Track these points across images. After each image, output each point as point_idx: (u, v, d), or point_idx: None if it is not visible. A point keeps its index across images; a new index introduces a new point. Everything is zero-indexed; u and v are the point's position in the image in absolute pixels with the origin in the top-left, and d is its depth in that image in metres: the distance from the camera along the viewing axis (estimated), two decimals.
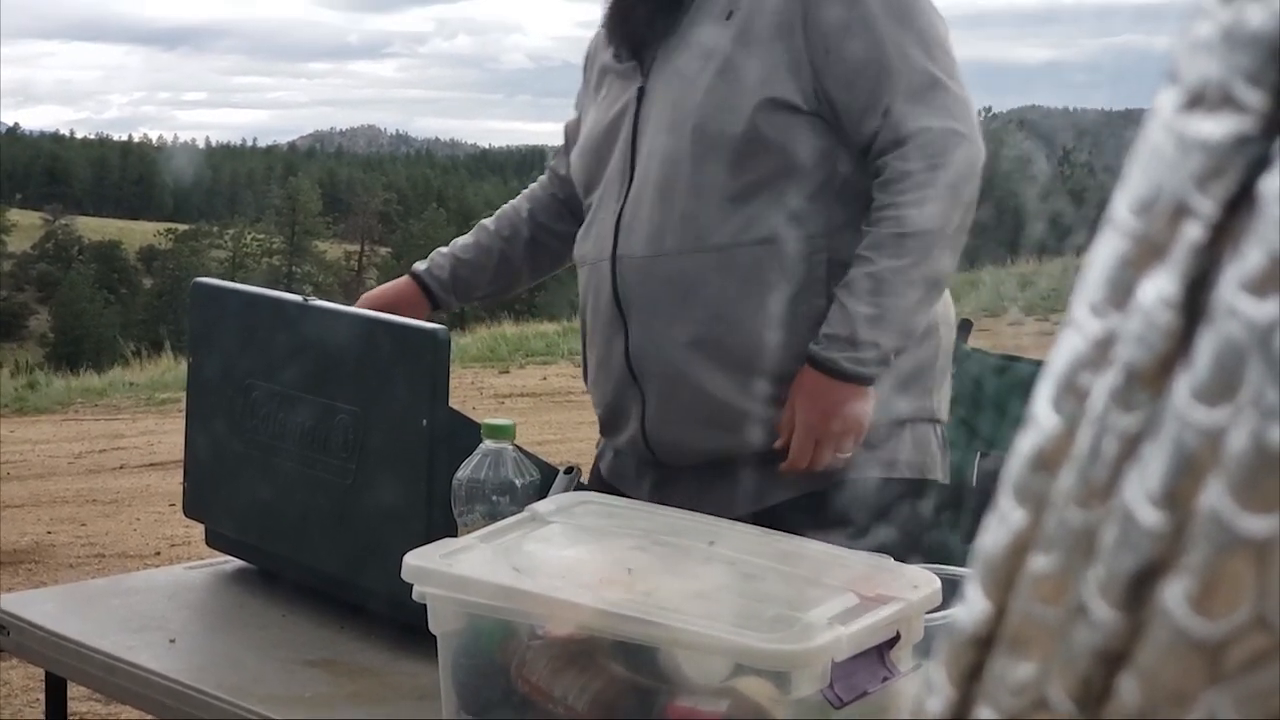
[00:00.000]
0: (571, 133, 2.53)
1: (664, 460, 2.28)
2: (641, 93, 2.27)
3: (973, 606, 0.35)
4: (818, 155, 2.17)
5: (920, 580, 1.65)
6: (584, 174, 2.39)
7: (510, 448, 1.89)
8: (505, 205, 2.66)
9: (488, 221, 2.64)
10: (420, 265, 2.59)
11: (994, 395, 3.33)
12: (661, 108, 2.23)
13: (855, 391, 2.13)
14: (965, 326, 3.54)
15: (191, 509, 2.36)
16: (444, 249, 2.62)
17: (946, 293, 2.33)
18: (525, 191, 2.66)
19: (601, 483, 2.37)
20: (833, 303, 2.13)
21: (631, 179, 2.26)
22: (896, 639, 1.59)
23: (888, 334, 2.11)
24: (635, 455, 2.32)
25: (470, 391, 11.52)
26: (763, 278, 2.17)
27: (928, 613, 1.63)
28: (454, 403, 2.00)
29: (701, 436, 2.22)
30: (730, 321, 2.18)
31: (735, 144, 2.16)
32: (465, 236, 2.64)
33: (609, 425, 2.36)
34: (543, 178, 2.66)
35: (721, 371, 2.19)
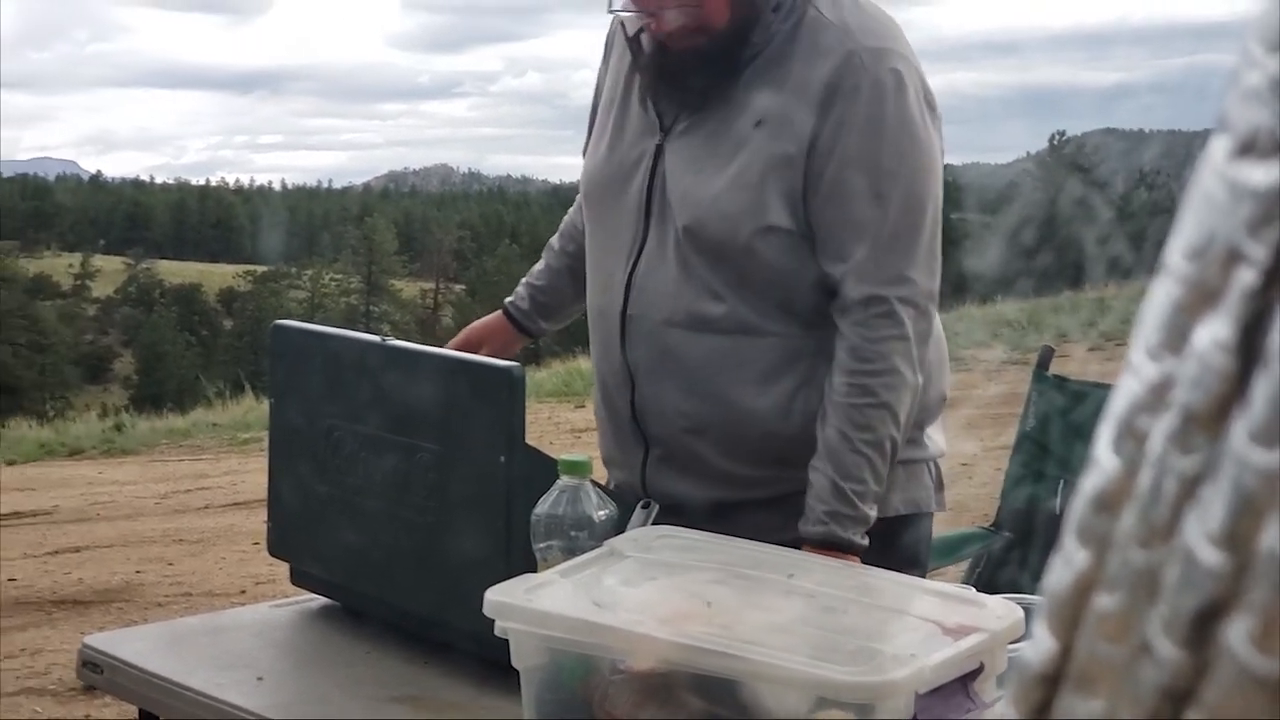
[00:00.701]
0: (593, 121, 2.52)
1: (660, 503, 2.31)
2: (659, 151, 2.29)
3: (1040, 645, 0.36)
4: (814, 267, 2.21)
5: (1003, 611, 1.65)
6: (591, 204, 2.43)
7: (587, 483, 1.90)
8: (564, 219, 2.72)
9: (553, 240, 2.70)
10: (509, 298, 2.69)
11: (1076, 422, 3.31)
12: (675, 189, 2.26)
13: (854, 559, 2.18)
14: (1046, 354, 3.52)
15: (276, 548, 2.39)
16: (525, 278, 2.70)
17: (940, 330, 2.38)
18: (578, 200, 2.68)
19: None
20: (815, 474, 2.18)
21: (644, 240, 2.30)
22: (980, 670, 1.58)
23: (870, 503, 2.18)
24: (633, 493, 2.36)
25: (547, 426, 11.54)
26: (762, 371, 2.23)
27: (1011, 643, 1.62)
28: (531, 437, 2.01)
29: (699, 488, 2.30)
30: (731, 406, 2.25)
31: (738, 253, 2.21)
32: (539, 262, 2.71)
33: (611, 463, 2.45)
34: None
35: (722, 446, 2.27)
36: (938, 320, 2.36)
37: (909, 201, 2.18)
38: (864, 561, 2.14)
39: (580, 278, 2.62)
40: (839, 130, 2.15)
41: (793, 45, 2.21)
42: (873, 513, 2.18)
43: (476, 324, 2.70)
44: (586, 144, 2.53)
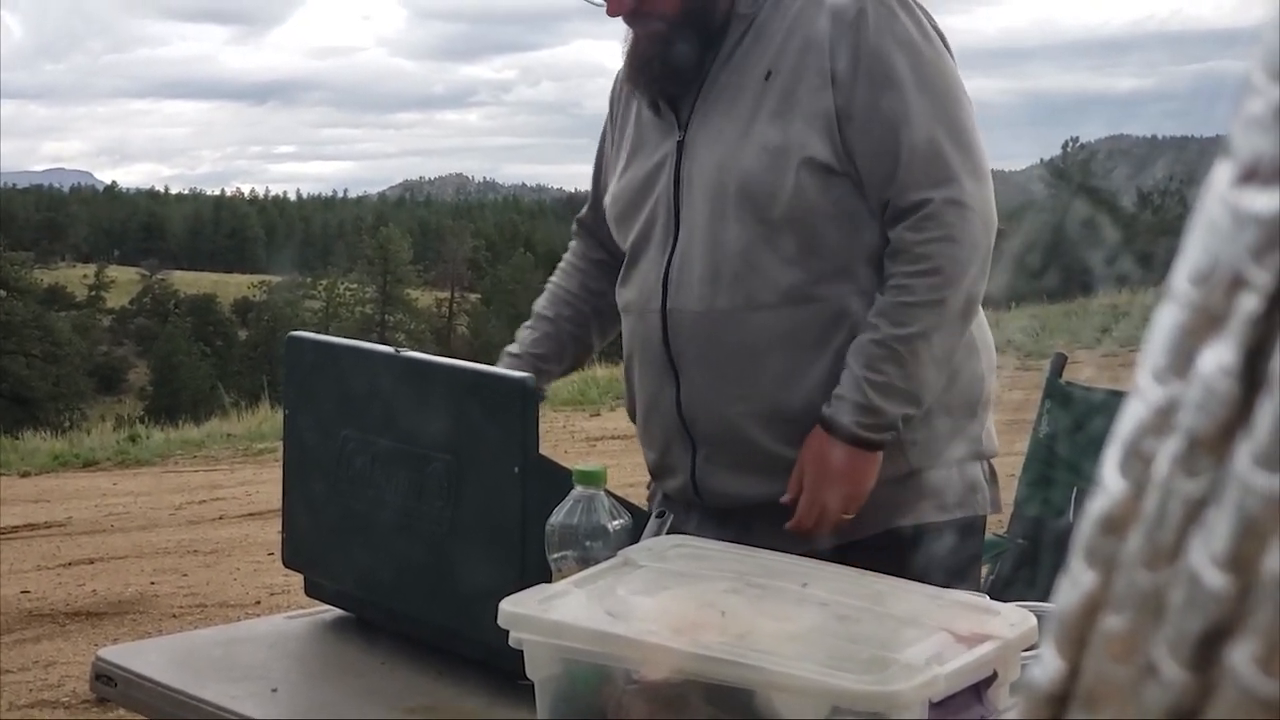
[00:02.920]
0: (602, 178, 2.56)
1: (711, 504, 2.31)
2: (680, 146, 2.30)
3: (1047, 665, 0.36)
4: (859, 217, 2.21)
5: (1016, 618, 1.65)
6: (622, 221, 2.41)
7: (602, 493, 1.90)
8: (552, 284, 2.66)
9: (543, 308, 2.62)
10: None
11: (1089, 428, 3.30)
12: (705, 167, 2.26)
13: (862, 456, 2.18)
14: (1059, 361, 3.51)
15: (290, 559, 2.39)
16: (514, 348, 2.58)
17: (984, 323, 2.35)
18: (566, 264, 2.67)
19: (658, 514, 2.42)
20: (845, 369, 2.17)
21: (676, 233, 2.28)
22: (994, 678, 1.58)
23: (894, 401, 2.15)
24: (684, 499, 2.35)
25: (562, 435, 11.56)
26: (813, 337, 2.21)
27: (1024, 651, 1.62)
28: (546, 446, 2.01)
29: (751, 484, 2.26)
30: (783, 381, 2.21)
31: (781, 208, 2.19)
32: (528, 329, 2.61)
33: (659, 471, 2.40)
34: (575, 245, 2.67)
35: (774, 428, 2.23)
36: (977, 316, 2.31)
37: (940, 109, 2.17)
38: (921, 566, 2.13)
39: (578, 342, 2.61)
40: (856, 55, 2.16)
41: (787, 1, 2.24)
42: (896, 410, 2.15)
43: None
44: (597, 192, 2.57)
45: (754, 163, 2.20)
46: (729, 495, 2.28)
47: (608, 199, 2.47)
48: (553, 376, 2.63)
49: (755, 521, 2.22)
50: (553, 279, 2.68)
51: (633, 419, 2.45)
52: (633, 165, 2.40)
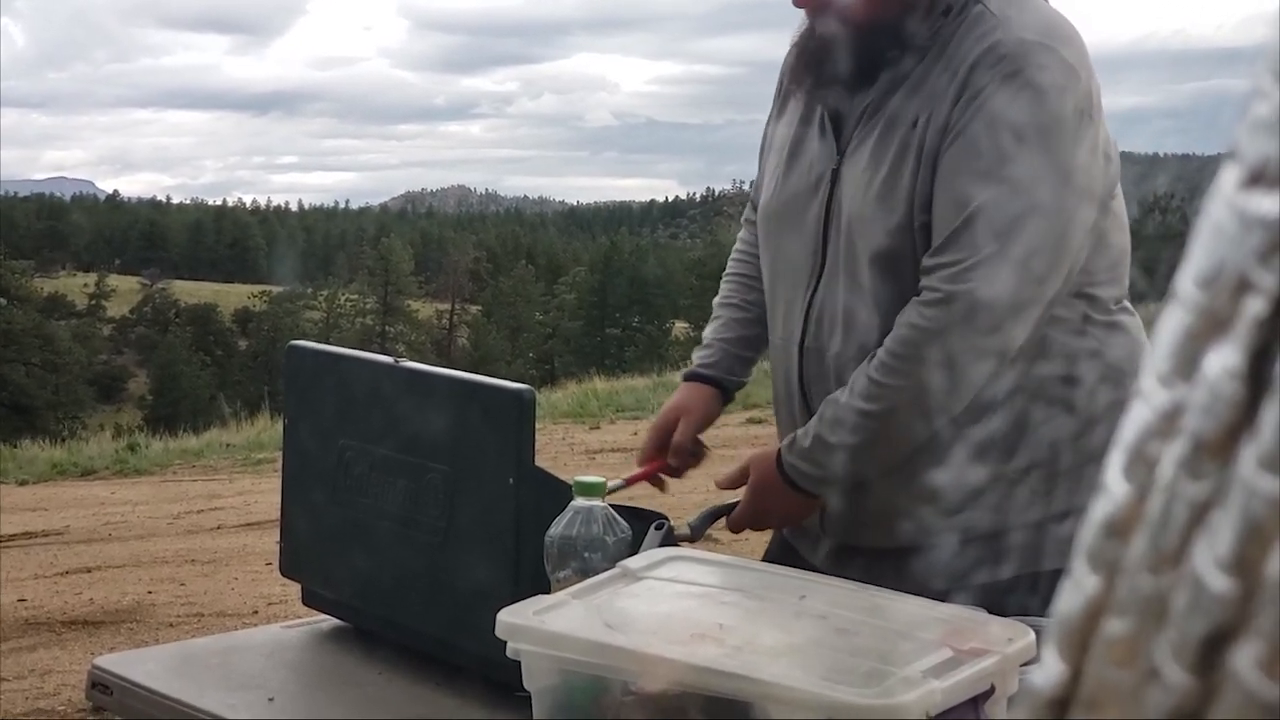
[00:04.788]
0: (763, 167, 2.43)
1: (838, 540, 2.28)
2: (836, 175, 2.19)
3: (1049, 669, 0.36)
4: None
5: (1014, 632, 1.64)
6: (770, 237, 2.33)
7: (601, 504, 1.90)
8: (730, 275, 2.53)
9: (729, 296, 2.51)
10: (699, 369, 2.46)
11: None
12: (851, 206, 2.16)
13: (790, 495, 2.18)
14: None
15: (288, 569, 2.39)
16: (706, 345, 2.49)
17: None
18: (739, 255, 2.54)
19: (781, 539, 2.42)
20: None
21: (822, 268, 2.20)
22: (991, 692, 1.58)
23: (831, 462, 2.12)
24: (814, 534, 2.32)
25: (561, 447, 11.55)
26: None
27: (1022, 665, 1.62)
28: (545, 458, 2.01)
29: (873, 532, 2.21)
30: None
31: (911, 272, 2.09)
32: (717, 324, 2.50)
33: None
34: (745, 235, 2.54)
35: (898, 477, 2.15)
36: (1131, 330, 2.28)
37: (997, 204, 2.00)
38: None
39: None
40: (960, 121, 2.04)
41: (953, 42, 2.10)
42: (829, 465, 2.12)
43: (674, 404, 2.44)
44: (758, 194, 2.44)
45: (887, 218, 2.10)
46: (852, 534, 2.24)
47: (761, 212, 2.37)
48: (751, 361, 2.50)
49: (878, 564, 2.15)
50: (733, 269, 2.53)
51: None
52: (786, 179, 2.29)
